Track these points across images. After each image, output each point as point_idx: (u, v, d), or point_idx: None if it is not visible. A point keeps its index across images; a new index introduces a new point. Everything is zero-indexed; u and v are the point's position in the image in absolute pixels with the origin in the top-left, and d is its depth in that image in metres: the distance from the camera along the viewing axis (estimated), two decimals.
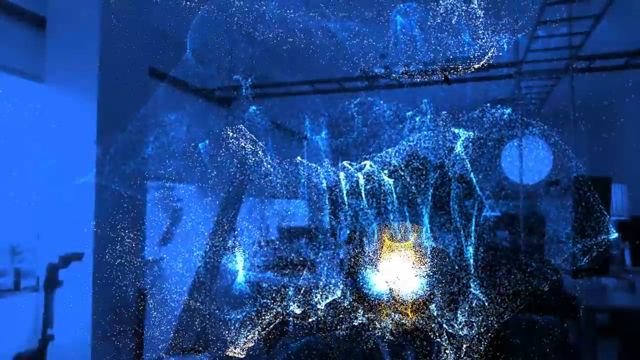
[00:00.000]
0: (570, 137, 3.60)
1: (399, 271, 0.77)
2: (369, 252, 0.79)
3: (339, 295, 0.85)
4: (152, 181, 3.94)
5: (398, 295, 0.78)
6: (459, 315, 0.81)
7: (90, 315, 2.41)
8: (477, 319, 0.83)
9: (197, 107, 4.45)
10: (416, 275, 0.77)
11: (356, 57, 4.66)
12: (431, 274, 0.77)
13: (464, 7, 3.58)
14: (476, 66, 4.32)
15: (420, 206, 0.80)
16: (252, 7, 3.51)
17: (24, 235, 2.79)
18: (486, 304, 0.87)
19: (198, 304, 3.94)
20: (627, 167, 6.01)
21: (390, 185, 0.82)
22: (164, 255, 4.09)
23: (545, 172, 5.26)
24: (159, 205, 4.68)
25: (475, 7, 3.58)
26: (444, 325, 0.80)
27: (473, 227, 0.83)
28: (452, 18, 3.77)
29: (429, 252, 0.78)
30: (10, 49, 2.67)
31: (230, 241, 4.96)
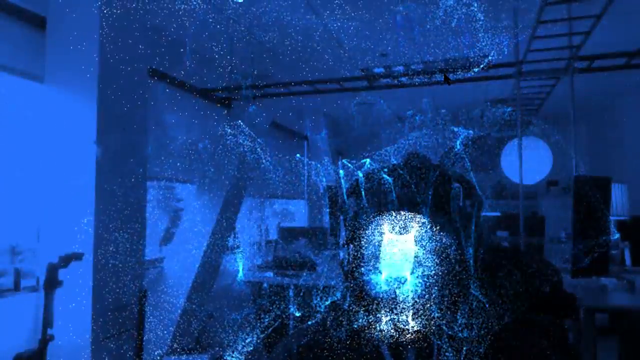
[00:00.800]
0: (570, 137, 3.60)
1: (400, 270, 0.77)
2: (369, 251, 0.79)
3: (340, 297, 0.85)
4: (152, 181, 3.94)
5: (398, 296, 0.77)
6: (459, 316, 0.81)
7: (90, 315, 2.41)
8: (477, 320, 0.83)
9: (197, 107, 4.45)
10: (417, 276, 0.76)
11: (353, 60, 4.66)
12: (433, 273, 0.77)
13: (464, 8, 3.58)
14: (476, 69, 4.32)
15: (420, 205, 0.81)
16: (253, 7, 3.51)
17: (24, 235, 2.79)
18: (486, 305, 0.87)
19: (198, 305, 3.94)
20: (627, 167, 6.01)
21: (390, 184, 0.82)
22: (162, 257, 4.09)
23: (545, 172, 5.26)
24: (159, 205, 4.68)
25: (475, 7, 3.58)
26: (444, 327, 0.80)
27: (473, 227, 0.83)
28: (452, 18, 3.77)
29: (430, 251, 0.78)
30: (10, 49, 2.67)
31: (230, 241, 4.96)
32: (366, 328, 0.84)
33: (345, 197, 0.95)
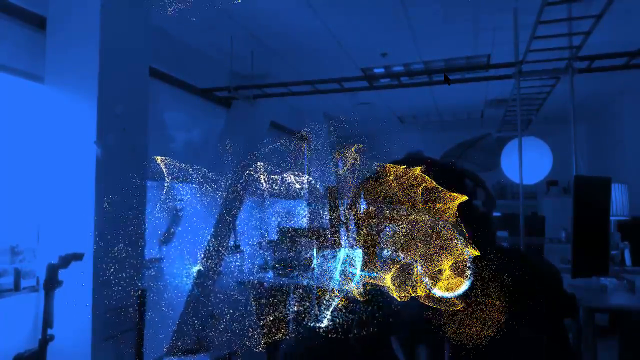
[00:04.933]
0: (570, 137, 3.60)
1: (410, 267, 0.77)
2: (378, 249, 0.78)
3: (342, 297, 0.85)
4: (152, 181, 3.94)
5: (408, 293, 0.77)
6: (464, 316, 0.81)
7: (90, 315, 2.41)
8: (479, 320, 0.83)
9: (197, 107, 4.45)
10: (426, 274, 0.76)
11: (353, 60, 4.66)
12: (442, 272, 0.76)
13: (464, 8, 3.59)
14: (476, 69, 4.32)
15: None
16: (253, 6, 3.51)
17: (24, 235, 2.79)
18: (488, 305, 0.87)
19: (198, 305, 3.94)
20: (627, 167, 6.00)
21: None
22: (161, 257, 4.09)
23: (545, 172, 5.26)
24: (159, 205, 4.68)
25: (475, 7, 3.58)
26: (446, 328, 0.80)
27: (484, 226, 0.83)
28: (453, 18, 3.77)
29: (439, 249, 0.77)
30: (10, 49, 2.66)
31: (230, 241, 4.96)
32: (379, 325, 0.84)
33: (351, 196, 0.95)
